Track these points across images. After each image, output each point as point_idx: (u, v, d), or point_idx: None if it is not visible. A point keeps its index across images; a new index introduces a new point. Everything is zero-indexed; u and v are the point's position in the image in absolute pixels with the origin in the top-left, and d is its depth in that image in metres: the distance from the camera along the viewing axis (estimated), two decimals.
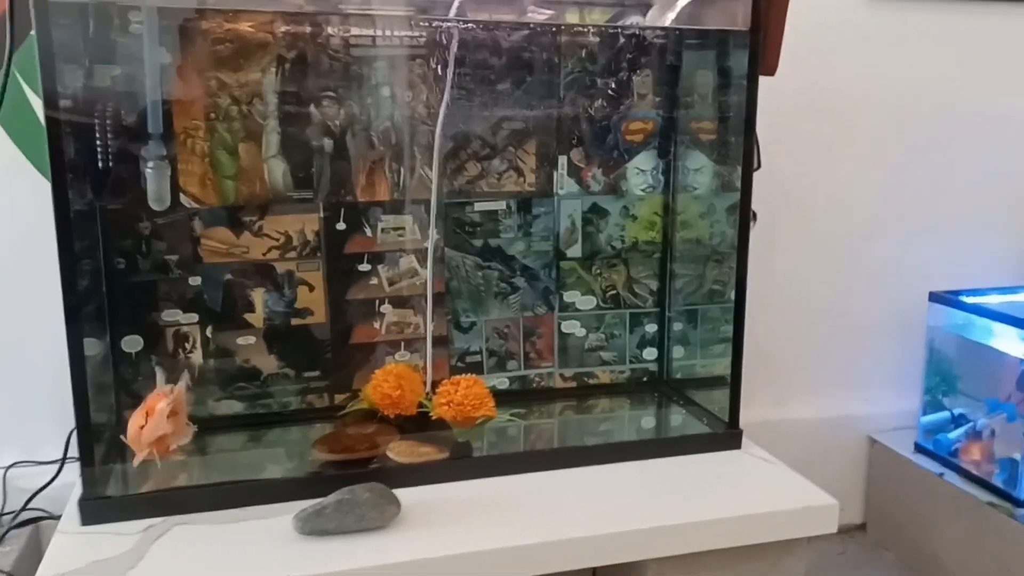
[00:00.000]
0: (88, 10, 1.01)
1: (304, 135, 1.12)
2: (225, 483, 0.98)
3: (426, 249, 1.19)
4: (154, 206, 1.07)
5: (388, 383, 1.09)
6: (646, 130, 1.25)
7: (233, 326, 1.14)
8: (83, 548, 0.88)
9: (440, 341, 1.23)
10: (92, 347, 0.97)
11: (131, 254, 1.09)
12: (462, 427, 1.07)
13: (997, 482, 1.34)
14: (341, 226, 1.16)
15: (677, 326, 1.31)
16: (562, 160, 1.24)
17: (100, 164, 1.04)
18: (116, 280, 1.08)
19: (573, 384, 1.31)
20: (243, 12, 1.07)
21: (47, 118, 0.85)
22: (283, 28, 1.09)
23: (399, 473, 1.00)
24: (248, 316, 1.15)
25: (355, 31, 1.11)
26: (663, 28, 1.20)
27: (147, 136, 1.05)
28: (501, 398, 1.12)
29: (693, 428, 1.19)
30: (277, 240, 1.14)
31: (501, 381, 1.27)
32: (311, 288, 1.17)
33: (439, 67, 1.15)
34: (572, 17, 1.18)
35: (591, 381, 1.31)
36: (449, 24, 1.12)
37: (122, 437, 0.95)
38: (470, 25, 1.13)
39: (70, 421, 0.93)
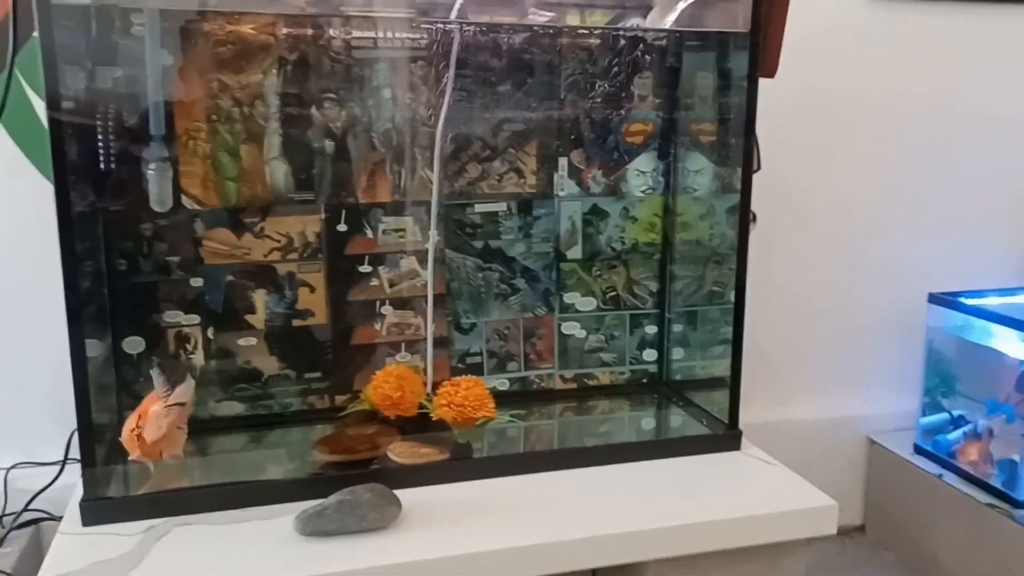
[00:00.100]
0: (90, 12, 1.01)
1: (305, 137, 1.13)
2: (226, 484, 0.99)
3: (427, 250, 1.19)
4: (156, 208, 1.07)
5: (389, 384, 1.09)
6: (646, 132, 1.26)
7: (234, 327, 1.15)
8: (84, 549, 0.88)
9: (441, 342, 1.23)
10: (94, 348, 0.98)
11: (133, 255, 1.09)
12: (463, 428, 1.07)
13: (996, 483, 1.34)
14: (342, 227, 1.16)
15: (677, 327, 1.31)
16: (562, 162, 1.24)
17: (102, 165, 1.05)
18: (117, 281, 1.09)
19: (573, 385, 1.31)
20: (245, 14, 1.07)
21: (49, 119, 0.86)
22: (285, 30, 1.09)
23: (400, 474, 1.01)
24: (249, 317, 1.15)
25: (356, 33, 1.12)
26: (663, 30, 1.20)
27: (149, 138, 1.05)
28: (501, 399, 1.13)
29: (693, 429, 1.19)
30: (278, 241, 1.15)
31: (501, 382, 1.27)
32: (312, 289, 1.17)
33: (440, 69, 1.15)
34: (573, 19, 1.18)
35: (591, 382, 1.31)
36: (450, 26, 1.12)
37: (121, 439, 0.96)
38: (471, 27, 1.14)
39: (71, 422, 0.93)
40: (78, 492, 0.96)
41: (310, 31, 1.10)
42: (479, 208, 1.22)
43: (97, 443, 0.95)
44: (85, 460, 0.93)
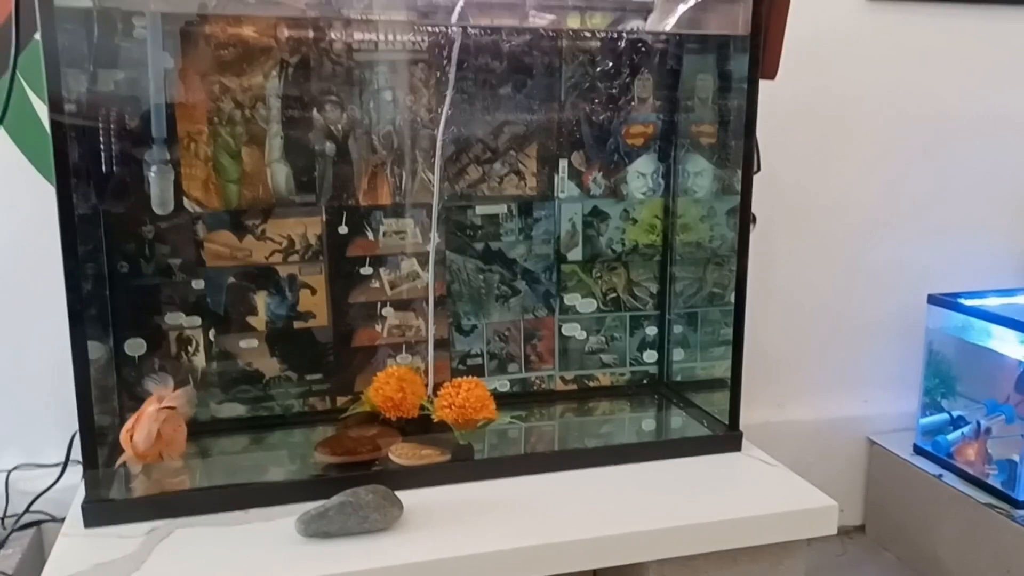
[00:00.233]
0: (92, 15, 1.01)
1: (307, 139, 1.13)
2: (228, 486, 0.99)
3: (427, 252, 1.20)
4: (157, 210, 1.07)
5: (390, 386, 1.09)
6: (646, 134, 1.26)
7: (236, 329, 1.15)
8: (87, 551, 0.88)
9: (441, 344, 1.23)
10: (95, 350, 0.98)
11: (134, 258, 1.09)
12: (464, 429, 1.07)
13: (996, 483, 1.34)
14: (343, 229, 1.17)
15: (677, 329, 1.31)
16: (563, 164, 1.24)
17: (104, 168, 1.05)
18: (119, 284, 1.09)
19: (574, 386, 1.31)
20: (246, 17, 1.07)
21: (52, 122, 0.86)
22: (286, 33, 1.09)
23: (401, 475, 1.01)
24: (250, 319, 1.15)
25: (357, 36, 1.12)
26: (663, 33, 1.20)
27: (150, 140, 1.06)
28: (502, 400, 1.13)
29: (693, 430, 1.19)
30: (279, 244, 1.15)
31: (502, 383, 1.28)
32: (313, 291, 1.17)
33: (441, 71, 1.15)
34: (573, 22, 1.18)
35: (592, 383, 1.32)
36: (451, 29, 1.13)
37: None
38: (472, 30, 1.14)
39: (72, 424, 0.93)
40: (80, 494, 0.96)
41: (311, 34, 1.10)
42: (480, 210, 1.22)
43: (99, 445, 0.95)
44: (87, 462, 0.93)
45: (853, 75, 1.46)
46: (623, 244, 1.29)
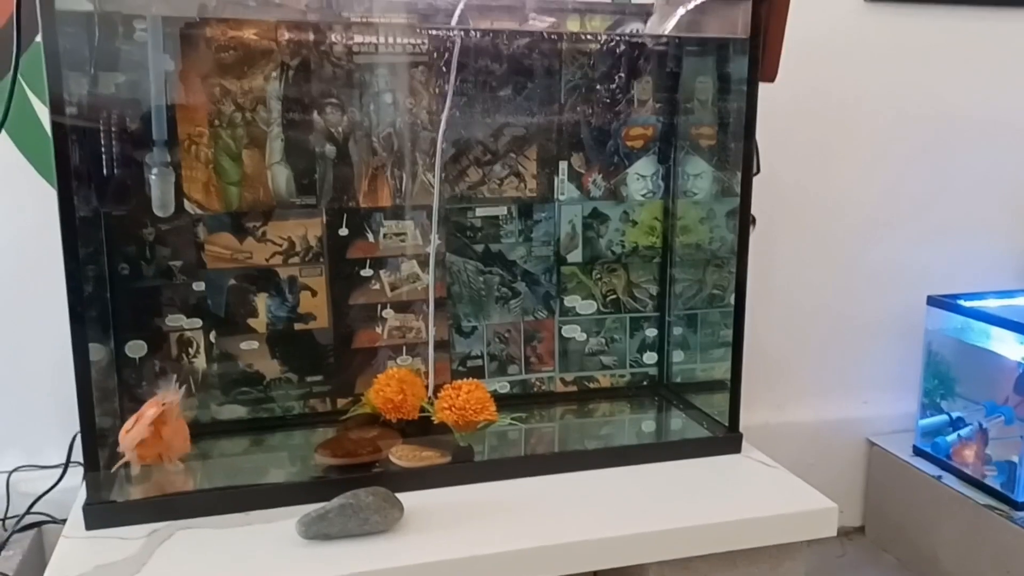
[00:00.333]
0: (93, 18, 1.02)
1: (307, 141, 1.13)
2: (229, 487, 0.99)
3: (428, 254, 1.20)
4: (158, 212, 1.08)
5: (390, 387, 1.09)
6: (646, 136, 1.26)
7: (236, 331, 1.15)
8: (88, 552, 0.88)
9: (442, 345, 1.24)
10: (96, 352, 0.98)
11: (135, 260, 1.09)
12: (464, 431, 1.07)
13: (995, 484, 1.35)
14: (344, 231, 1.17)
15: (677, 330, 1.32)
16: (563, 166, 1.24)
17: (105, 170, 1.05)
18: (120, 285, 1.09)
19: (574, 388, 1.31)
20: (247, 20, 1.07)
21: (53, 124, 0.86)
22: (286, 36, 1.10)
23: (402, 477, 1.01)
24: (251, 321, 1.16)
25: (358, 38, 1.12)
26: (663, 36, 1.21)
27: (151, 143, 1.06)
28: (502, 402, 1.13)
29: (693, 432, 1.19)
30: (280, 245, 1.15)
31: (502, 385, 1.28)
32: (314, 293, 1.17)
33: (441, 74, 1.15)
34: (573, 25, 1.19)
35: (592, 385, 1.32)
36: (451, 31, 1.13)
37: None
38: (472, 32, 1.14)
39: (72, 425, 0.93)
40: (81, 495, 0.97)
41: (312, 36, 1.10)
42: (480, 212, 1.23)
43: (100, 447, 0.95)
44: (88, 464, 0.93)
45: (852, 76, 1.46)
46: (623, 246, 1.29)
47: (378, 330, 1.21)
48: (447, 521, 0.95)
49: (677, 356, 1.32)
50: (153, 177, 1.06)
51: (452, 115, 1.16)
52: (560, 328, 1.29)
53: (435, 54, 1.15)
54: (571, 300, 1.29)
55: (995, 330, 1.36)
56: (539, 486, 1.04)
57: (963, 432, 1.42)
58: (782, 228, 1.47)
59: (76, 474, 1.12)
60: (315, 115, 1.13)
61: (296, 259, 1.16)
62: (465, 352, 1.26)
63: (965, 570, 1.37)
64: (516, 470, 1.06)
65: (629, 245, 1.29)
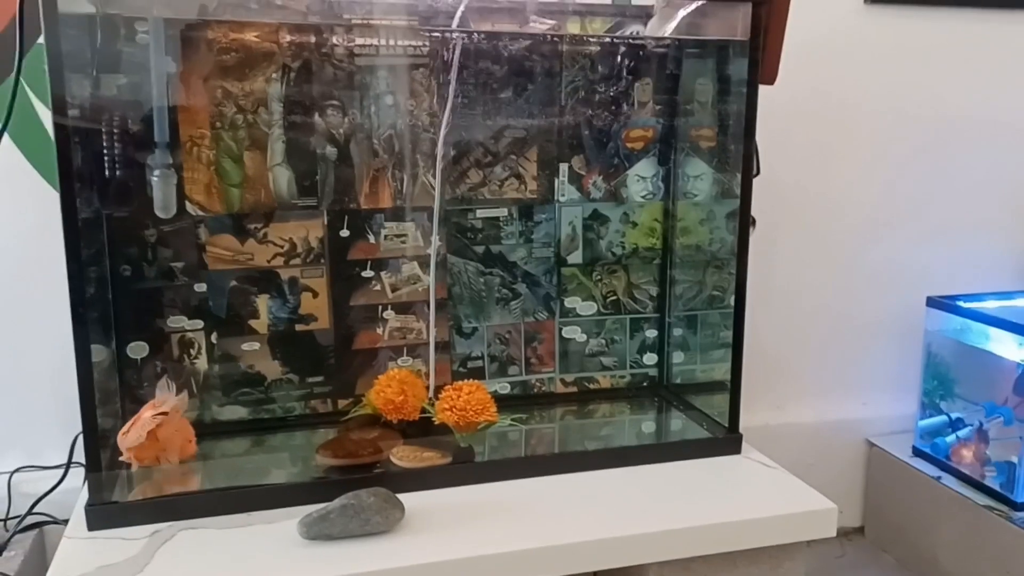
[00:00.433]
0: (95, 20, 1.02)
1: (308, 143, 1.13)
2: (230, 488, 0.99)
3: (428, 255, 1.20)
4: (160, 214, 1.08)
5: (391, 388, 1.09)
6: (646, 138, 1.26)
7: (238, 332, 1.15)
8: (90, 553, 0.89)
9: (442, 346, 1.24)
10: (98, 353, 0.98)
11: (137, 261, 1.10)
12: (465, 432, 1.08)
13: (995, 485, 1.35)
14: (345, 233, 1.17)
15: (677, 331, 1.32)
16: (563, 167, 1.25)
17: (107, 172, 1.05)
18: (122, 287, 1.09)
19: (574, 389, 1.31)
20: (248, 22, 1.08)
21: (55, 126, 0.86)
22: (288, 38, 1.10)
23: (402, 478, 1.01)
24: (252, 322, 1.16)
25: (359, 40, 1.12)
26: (663, 38, 1.21)
27: (153, 145, 1.06)
28: (503, 403, 1.13)
29: (693, 433, 1.20)
30: (281, 247, 1.15)
31: (503, 386, 1.28)
32: (315, 294, 1.17)
33: (442, 76, 1.16)
34: (573, 27, 1.19)
35: (592, 386, 1.32)
36: (452, 34, 1.13)
37: None
38: (473, 35, 1.14)
39: (74, 426, 0.94)
40: (82, 496, 0.97)
41: (313, 39, 1.11)
42: (480, 213, 1.23)
43: (101, 447, 0.95)
44: (90, 465, 0.93)
45: (852, 78, 1.47)
46: (623, 247, 1.29)
47: (379, 331, 1.21)
48: (448, 522, 0.95)
49: (677, 357, 1.32)
50: (155, 179, 1.07)
51: (453, 117, 1.16)
52: (560, 329, 1.29)
53: (436, 56, 1.15)
54: (571, 301, 1.29)
55: (994, 331, 1.36)
56: (539, 487, 1.04)
57: (962, 433, 1.42)
58: (782, 229, 1.47)
59: (77, 475, 1.13)
60: (316, 117, 1.13)
61: (297, 260, 1.16)
62: (466, 353, 1.26)
63: (965, 571, 1.37)
64: (517, 471, 1.06)
65: (629, 246, 1.29)
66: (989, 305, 1.44)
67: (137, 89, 1.05)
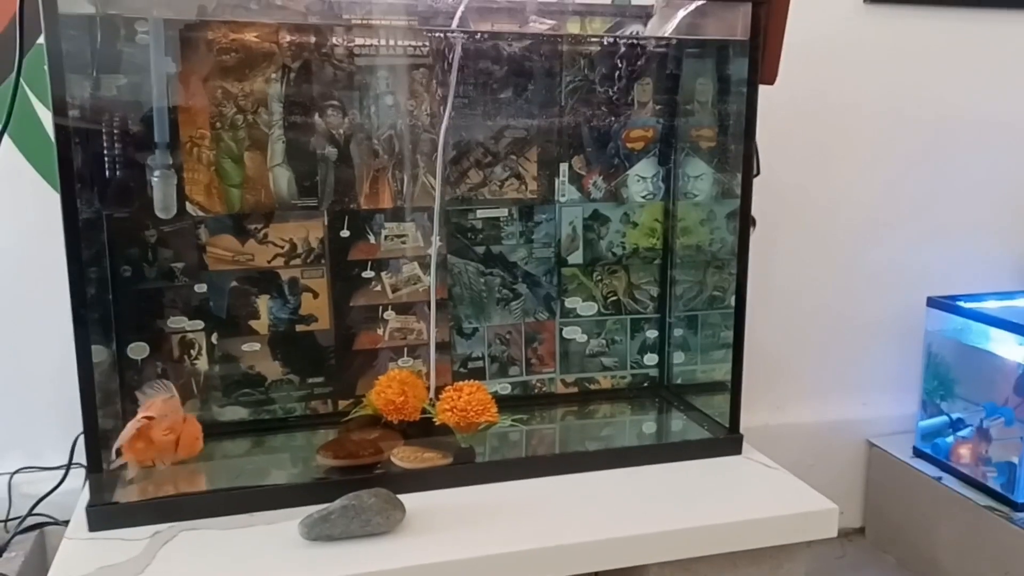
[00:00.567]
0: (95, 20, 1.02)
1: (309, 144, 1.13)
2: (231, 489, 0.99)
3: (429, 256, 1.20)
4: (160, 214, 1.08)
5: (392, 389, 1.09)
6: (646, 138, 1.26)
7: (238, 333, 1.15)
8: (91, 554, 0.89)
9: (443, 347, 1.24)
10: (99, 354, 0.98)
11: (137, 262, 1.10)
12: (465, 432, 1.08)
13: (995, 485, 1.35)
14: (345, 233, 1.17)
15: (678, 332, 1.32)
16: (563, 168, 1.25)
17: (107, 173, 1.05)
18: (122, 288, 1.09)
19: (574, 389, 1.31)
20: (248, 22, 1.08)
21: (55, 127, 0.86)
22: (287, 38, 1.10)
23: (403, 478, 1.01)
24: (253, 323, 1.16)
25: (359, 41, 1.12)
26: (663, 38, 1.21)
27: (153, 145, 1.06)
28: (503, 403, 1.13)
29: (694, 433, 1.19)
30: (282, 247, 1.15)
31: (503, 387, 1.28)
32: (315, 295, 1.17)
33: (442, 76, 1.16)
34: (573, 27, 1.19)
35: (592, 386, 1.32)
36: (452, 34, 1.13)
37: None
38: (473, 35, 1.14)
39: (74, 427, 0.94)
40: (83, 497, 0.97)
41: (313, 39, 1.11)
42: (481, 214, 1.23)
43: (102, 448, 0.95)
44: (91, 465, 0.93)
45: (852, 78, 1.47)
46: (623, 247, 1.29)
47: (379, 332, 1.21)
48: (449, 522, 0.95)
49: (678, 357, 1.32)
50: (155, 179, 1.07)
51: (453, 117, 1.16)
52: (561, 330, 1.29)
53: (436, 56, 1.15)
54: (572, 301, 1.29)
55: (995, 331, 1.36)
56: (540, 487, 1.04)
57: (963, 433, 1.42)
58: (782, 229, 1.47)
59: (78, 476, 1.13)
60: (316, 117, 1.13)
61: (297, 261, 1.16)
62: (466, 353, 1.26)
63: (965, 571, 1.37)
64: (517, 471, 1.06)
65: (630, 247, 1.29)
66: (989, 305, 1.44)
67: (137, 89, 1.05)
